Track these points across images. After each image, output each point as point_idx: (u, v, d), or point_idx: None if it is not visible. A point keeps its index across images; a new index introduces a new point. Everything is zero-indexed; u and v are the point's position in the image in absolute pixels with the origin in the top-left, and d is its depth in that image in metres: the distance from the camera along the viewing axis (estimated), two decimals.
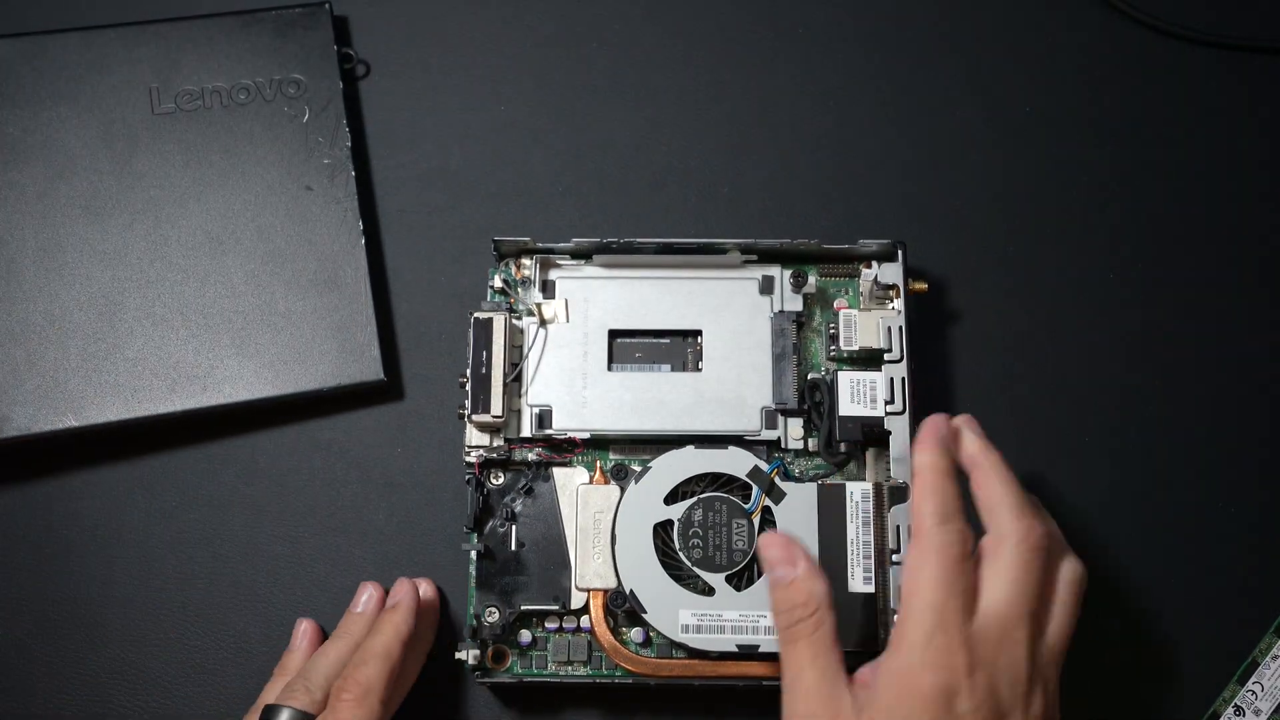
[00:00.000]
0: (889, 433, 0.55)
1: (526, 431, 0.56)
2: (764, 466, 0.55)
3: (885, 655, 0.46)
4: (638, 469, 0.55)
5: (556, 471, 0.56)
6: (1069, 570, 0.48)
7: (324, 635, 0.57)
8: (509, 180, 0.63)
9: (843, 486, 0.55)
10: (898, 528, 0.54)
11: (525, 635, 0.55)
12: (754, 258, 0.58)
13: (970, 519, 0.47)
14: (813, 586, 0.46)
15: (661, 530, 0.54)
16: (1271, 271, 0.62)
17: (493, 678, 0.54)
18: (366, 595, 0.57)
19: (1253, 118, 0.64)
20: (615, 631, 0.54)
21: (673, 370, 0.57)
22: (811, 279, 0.58)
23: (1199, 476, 0.59)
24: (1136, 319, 0.61)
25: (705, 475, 0.55)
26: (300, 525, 0.59)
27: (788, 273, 0.58)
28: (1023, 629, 0.45)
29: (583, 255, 0.58)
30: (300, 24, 0.62)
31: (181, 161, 0.60)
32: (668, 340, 0.58)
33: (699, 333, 0.57)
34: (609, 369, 0.57)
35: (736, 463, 0.55)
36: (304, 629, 0.57)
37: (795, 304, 0.58)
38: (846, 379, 0.56)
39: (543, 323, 0.57)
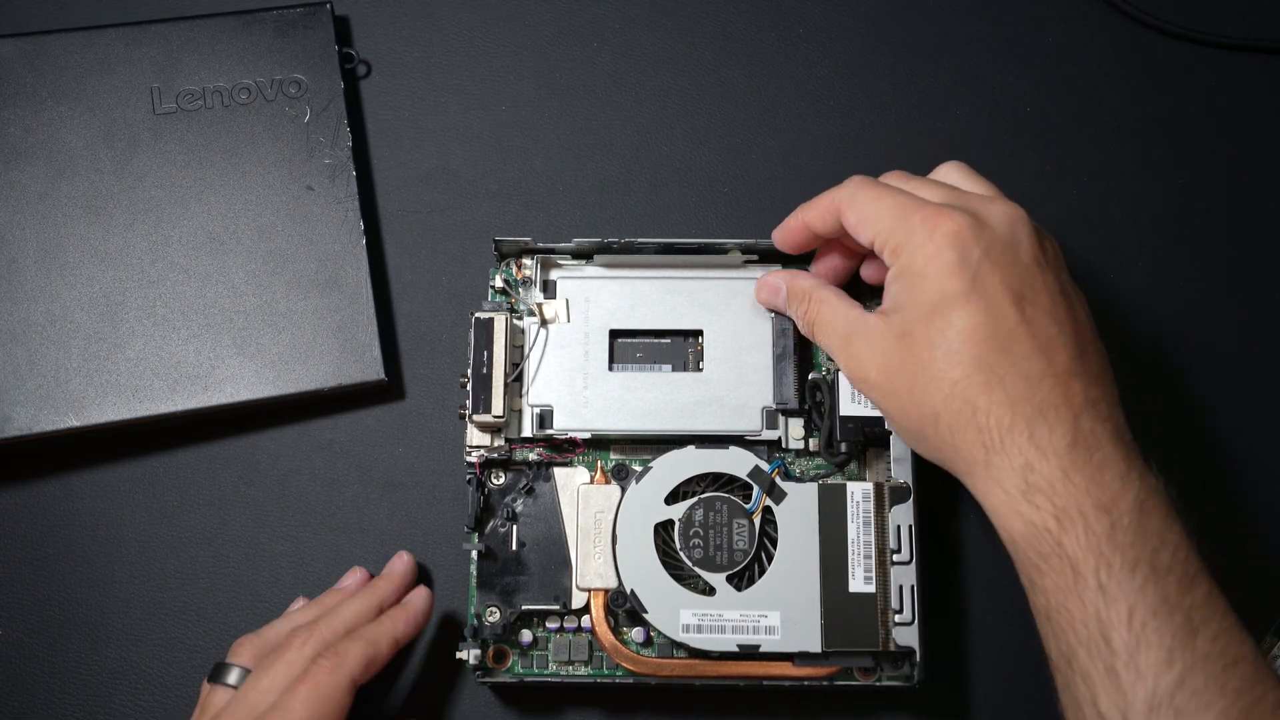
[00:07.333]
0: (889, 433, 0.55)
1: (527, 431, 0.56)
2: (765, 466, 0.55)
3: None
4: (638, 469, 0.55)
5: (557, 471, 0.56)
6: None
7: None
8: (509, 180, 0.63)
9: (843, 486, 0.55)
10: (898, 528, 0.54)
11: (526, 635, 0.55)
12: (754, 258, 0.58)
13: None
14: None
15: (662, 530, 0.54)
16: (1272, 271, 0.62)
17: (493, 678, 0.54)
18: (353, 579, 0.57)
19: (1253, 118, 0.64)
20: (616, 631, 0.54)
21: (673, 370, 0.57)
22: None
23: (1199, 476, 0.59)
24: (1136, 318, 0.61)
25: (706, 475, 0.55)
26: (301, 525, 0.59)
27: None
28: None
29: (583, 255, 0.58)
30: (301, 24, 0.62)
31: (183, 161, 0.60)
32: (668, 340, 0.58)
33: (700, 333, 0.57)
34: (610, 369, 0.57)
35: (737, 463, 0.55)
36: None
37: None
38: (847, 379, 0.56)
39: (543, 323, 0.57)
